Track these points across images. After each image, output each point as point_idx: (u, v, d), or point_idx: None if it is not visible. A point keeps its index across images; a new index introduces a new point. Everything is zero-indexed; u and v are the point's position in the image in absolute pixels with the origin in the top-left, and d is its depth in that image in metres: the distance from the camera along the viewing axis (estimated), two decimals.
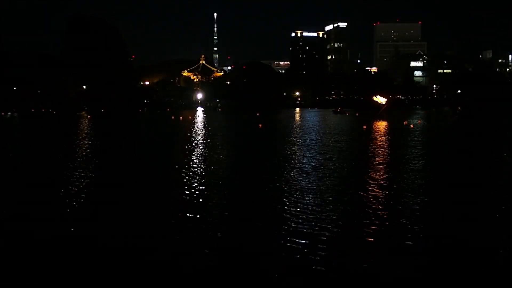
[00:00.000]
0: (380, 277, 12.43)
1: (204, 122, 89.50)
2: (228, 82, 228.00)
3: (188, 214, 18.30)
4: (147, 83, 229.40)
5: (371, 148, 41.83)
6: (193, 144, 46.19)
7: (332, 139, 50.38)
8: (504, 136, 56.86)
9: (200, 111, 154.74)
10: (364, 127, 71.50)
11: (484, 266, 13.18)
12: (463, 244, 14.89)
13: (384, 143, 46.56)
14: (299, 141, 48.39)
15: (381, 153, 37.61)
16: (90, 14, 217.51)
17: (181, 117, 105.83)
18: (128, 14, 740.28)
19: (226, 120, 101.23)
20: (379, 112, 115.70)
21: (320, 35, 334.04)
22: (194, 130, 65.63)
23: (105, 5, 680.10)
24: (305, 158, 34.61)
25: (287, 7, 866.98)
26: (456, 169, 29.62)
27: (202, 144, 45.82)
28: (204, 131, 64.58)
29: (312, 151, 39.09)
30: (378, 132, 61.20)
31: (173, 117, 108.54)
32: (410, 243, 14.97)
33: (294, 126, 76.75)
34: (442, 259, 13.59)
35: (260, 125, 77.81)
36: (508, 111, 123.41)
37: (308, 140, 49.17)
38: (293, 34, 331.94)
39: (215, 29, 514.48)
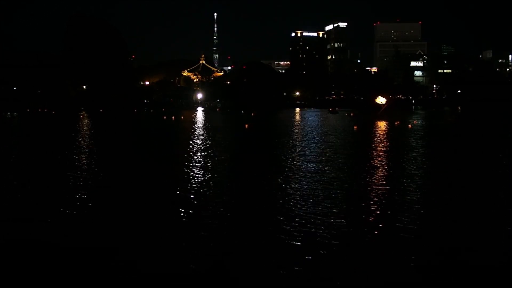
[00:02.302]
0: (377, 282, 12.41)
1: (193, 122, 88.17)
2: (228, 82, 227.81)
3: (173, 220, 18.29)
4: (147, 83, 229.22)
5: (356, 150, 40.93)
6: (168, 145, 45.30)
7: (317, 140, 48.92)
8: (503, 136, 56.56)
9: (199, 111, 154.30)
10: (355, 127, 70.37)
11: (483, 269, 13.16)
12: (460, 246, 14.86)
13: (371, 145, 44.85)
14: (279, 143, 47.09)
15: (365, 155, 36.23)
16: (89, 14, 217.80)
17: (173, 117, 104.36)
18: (128, 14, 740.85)
19: (217, 120, 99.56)
20: (379, 112, 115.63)
21: (320, 35, 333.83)
22: (177, 131, 65.09)
23: (105, 5, 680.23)
24: (288, 161, 33.40)
25: (287, 7, 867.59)
26: (449, 170, 29.56)
27: (175, 146, 44.33)
28: (186, 132, 63.58)
29: (294, 153, 37.46)
30: (368, 133, 60.05)
31: (165, 117, 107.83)
32: (404, 246, 14.96)
33: (283, 126, 75.89)
34: (438, 260, 13.58)
35: (246, 126, 76.63)
36: (508, 111, 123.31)
37: (290, 142, 47.89)
38: (293, 34, 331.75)
39: (215, 29, 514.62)
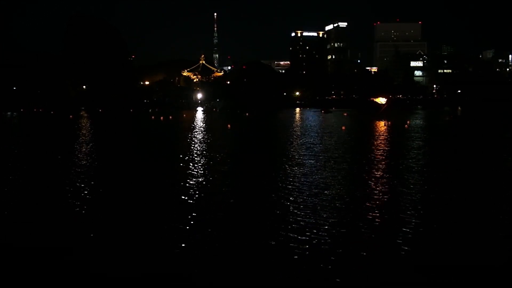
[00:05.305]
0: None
1: (179, 122, 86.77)
2: (228, 82, 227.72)
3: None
4: (147, 83, 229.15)
5: (337, 152, 38.50)
6: (131, 148, 44.52)
7: (298, 143, 46.28)
8: (503, 136, 56.35)
9: (198, 111, 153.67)
10: (343, 128, 69.10)
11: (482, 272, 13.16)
12: (460, 246, 14.85)
13: (359, 146, 43.47)
14: (255, 144, 46.26)
15: (359, 157, 35.09)
16: (89, 14, 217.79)
17: (161, 117, 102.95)
18: (128, 14, 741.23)
19: (209, 121, 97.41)
20: (379, 112, 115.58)
21: (320, 35, 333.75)
22: (155, 132, 64.78)
23: (105, 5, 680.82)
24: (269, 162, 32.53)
25: (287, 7, 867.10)
26: (449, 170, 29.54)
27: (139, 148, 43.61)
28: (163, 133, 62.67)
29: (276, 154, 36.17)
30: (354, 133, 59.05)
31: (153, 117, 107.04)
32: (399, 253, 14.96)
33: (268, 126, 74.67)
34: (438, 260, 13.57)
35: (228, 126, 75.76)
36: (508, 111, 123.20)
37: (265, 144, 46.84)
38: (293, 34, 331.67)
39: (215, 29, 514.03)
